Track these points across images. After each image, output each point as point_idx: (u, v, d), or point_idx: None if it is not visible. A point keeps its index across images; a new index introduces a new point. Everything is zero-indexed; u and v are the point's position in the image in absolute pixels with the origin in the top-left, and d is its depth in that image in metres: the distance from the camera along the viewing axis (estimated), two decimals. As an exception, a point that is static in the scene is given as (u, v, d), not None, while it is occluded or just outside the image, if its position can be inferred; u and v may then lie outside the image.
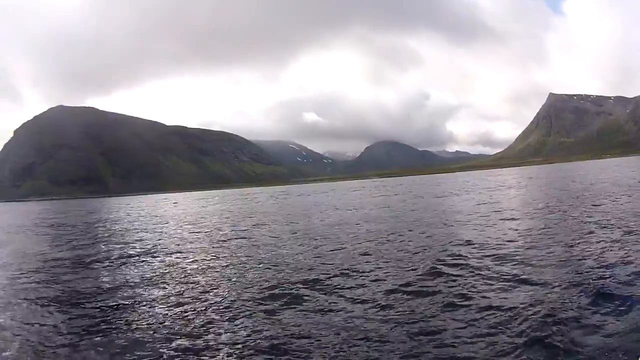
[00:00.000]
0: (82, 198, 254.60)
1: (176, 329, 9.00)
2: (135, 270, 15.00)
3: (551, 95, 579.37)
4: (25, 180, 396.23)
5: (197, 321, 9.31)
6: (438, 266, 12.58)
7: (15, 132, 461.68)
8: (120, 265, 16.07)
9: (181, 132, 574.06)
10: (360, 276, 12.17)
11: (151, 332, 8.89)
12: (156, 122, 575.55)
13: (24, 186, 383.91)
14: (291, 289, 11.27)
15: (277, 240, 20.55)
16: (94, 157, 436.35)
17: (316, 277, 12.24)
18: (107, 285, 12.98)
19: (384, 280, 11.63)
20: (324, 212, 35.72)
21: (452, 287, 10.64)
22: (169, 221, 36.89)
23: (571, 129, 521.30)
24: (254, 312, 9.65)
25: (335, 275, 12.40)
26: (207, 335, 8.57)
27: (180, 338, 8.48)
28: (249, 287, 11.60)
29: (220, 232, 24.96)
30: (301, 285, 11.56)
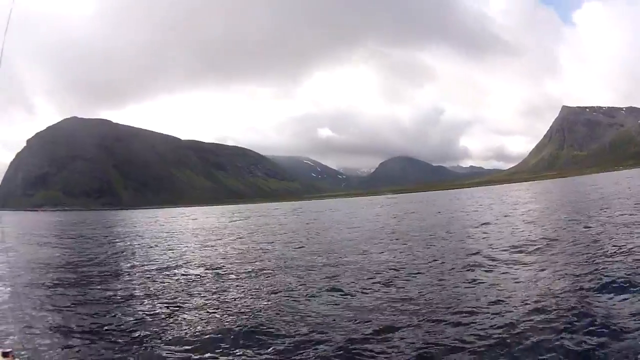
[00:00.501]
0: (96, 210, 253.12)
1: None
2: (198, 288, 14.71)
3: (564, 108, 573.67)
4: (38, 189, 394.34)
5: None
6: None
7: (29, 141, 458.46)
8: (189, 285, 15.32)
9: (195, 147, 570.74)
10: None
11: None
12: (170, 135, 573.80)
13: (37, 195, 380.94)
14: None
15: (313, 256, 20.44)
16: (107, 170, 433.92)
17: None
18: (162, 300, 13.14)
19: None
20: (353, 228, 36.14)
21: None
22: (202, 236, 37.15)
23: (584, 142, 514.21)
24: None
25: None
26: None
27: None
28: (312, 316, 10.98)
29: (266, 253, 23.51)
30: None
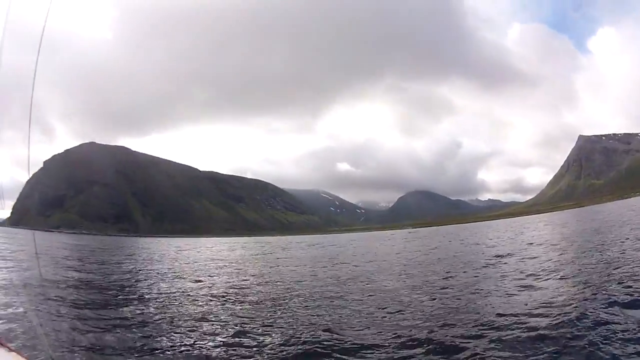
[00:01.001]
0: (113, 235, 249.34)
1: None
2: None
3: (580, 137, 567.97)
4: (54, 211, 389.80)
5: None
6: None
7: (45, 162, 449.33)
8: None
9: (214, 178, 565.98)
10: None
11: None
12: (189, 166, 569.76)
13: (53, 217, 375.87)
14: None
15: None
16: (125, 196, 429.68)
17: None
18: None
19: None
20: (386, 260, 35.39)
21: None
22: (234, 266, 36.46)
23: (601, 170, 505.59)
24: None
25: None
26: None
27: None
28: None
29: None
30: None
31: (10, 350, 4.60)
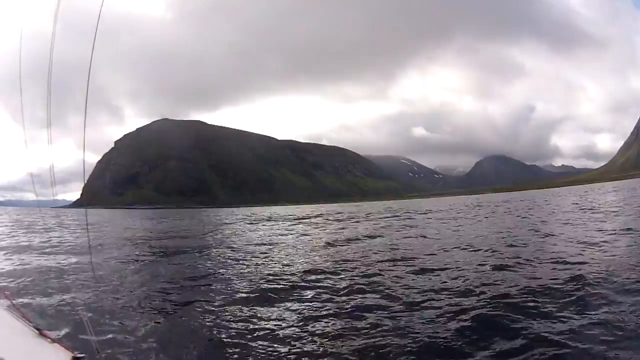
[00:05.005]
0: (192, 208, 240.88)
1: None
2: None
3: None
4: (128, 188, 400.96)
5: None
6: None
7: (116, 142, 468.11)
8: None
9: (292, 146, 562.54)
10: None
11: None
12: (267, 136, 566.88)
13: (127, 194, 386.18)
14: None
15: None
16: (202, 169, 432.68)
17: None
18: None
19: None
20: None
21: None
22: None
23: None
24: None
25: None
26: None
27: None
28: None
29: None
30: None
31: (52, 341, 4.55)
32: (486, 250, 17.62)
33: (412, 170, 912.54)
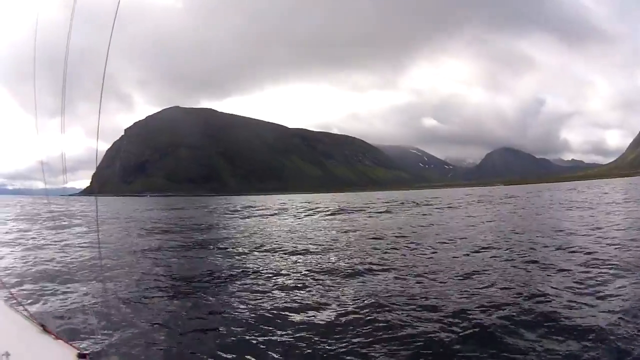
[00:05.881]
0: (202, 195, 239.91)
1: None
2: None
3: None
4: (137, 176, 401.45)
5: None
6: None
7: (126, 130, 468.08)
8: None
9: (303, 135, 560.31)
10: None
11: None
12: (277, 124, 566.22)
13: (136, 182, 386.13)
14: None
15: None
16: (213, 157, 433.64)
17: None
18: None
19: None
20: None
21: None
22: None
23: None
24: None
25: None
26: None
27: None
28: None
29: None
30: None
31: (56, 337, 4.53)
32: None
33: (422, 161, 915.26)
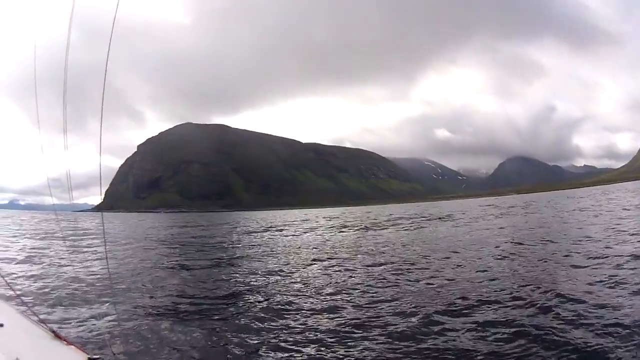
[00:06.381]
0: (217, 211, 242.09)
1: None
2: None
3: None
4: (151, 192, 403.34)
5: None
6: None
7: (139, 147, 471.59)
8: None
9: (316, 149, 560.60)
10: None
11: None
12: (290, 139, 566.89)
13: (150, 198, 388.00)
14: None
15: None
16: (226, 172, 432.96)
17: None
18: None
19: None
20: None
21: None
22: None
23: None
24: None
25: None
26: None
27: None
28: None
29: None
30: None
31: (68, 343, 4.64)
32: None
33: (435, 172, 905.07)
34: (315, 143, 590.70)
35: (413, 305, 10.62)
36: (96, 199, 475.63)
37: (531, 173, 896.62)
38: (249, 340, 8.86)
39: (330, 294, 12.43)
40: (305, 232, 39.20)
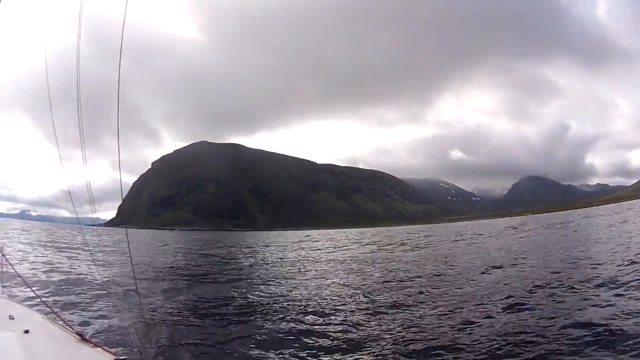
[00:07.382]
0: (230, 230, 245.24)
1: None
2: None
3: None
4: (165, 209, 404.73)
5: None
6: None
7: (153, 164, 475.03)
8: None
9: (331, 170, 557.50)
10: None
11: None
12: (305, 159, 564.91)
13: (163, 215, 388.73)
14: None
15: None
16: (241, 192, 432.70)
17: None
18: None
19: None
20: None
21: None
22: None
23: None
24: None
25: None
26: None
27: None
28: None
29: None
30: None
31: (94, 345, 4.76)
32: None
33: (450, 193, 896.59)
34: (330, 164, 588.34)
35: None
36: (108, 213, 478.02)
37: (544, 193, 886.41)
38: (271, 347, 9.03)
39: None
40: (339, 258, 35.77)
